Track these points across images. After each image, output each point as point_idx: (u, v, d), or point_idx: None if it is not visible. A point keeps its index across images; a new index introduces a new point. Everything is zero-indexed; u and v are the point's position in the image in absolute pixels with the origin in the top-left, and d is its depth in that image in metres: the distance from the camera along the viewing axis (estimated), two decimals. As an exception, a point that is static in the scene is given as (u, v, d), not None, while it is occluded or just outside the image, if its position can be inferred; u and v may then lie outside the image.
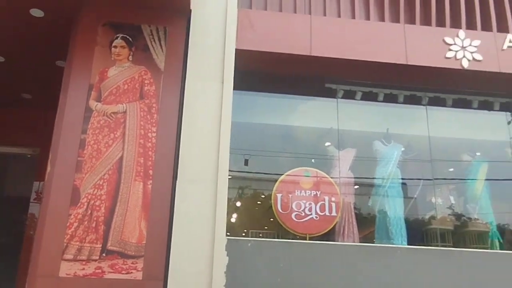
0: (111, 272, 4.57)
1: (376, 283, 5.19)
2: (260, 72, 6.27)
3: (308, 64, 6.14)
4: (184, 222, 4.81)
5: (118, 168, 4.94)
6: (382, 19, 6.65)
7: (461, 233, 6.67)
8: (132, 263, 4.63)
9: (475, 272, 5.37)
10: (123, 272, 4.59)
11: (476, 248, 6.41)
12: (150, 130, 5.14)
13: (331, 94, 6.58)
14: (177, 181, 4.95)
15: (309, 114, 6.92)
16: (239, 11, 5.89)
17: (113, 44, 5.40)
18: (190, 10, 5.52)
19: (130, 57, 5.37)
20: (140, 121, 5.14)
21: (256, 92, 6.71)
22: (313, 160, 6.75)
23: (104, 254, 4.66)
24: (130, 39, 5.42)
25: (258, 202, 6.86)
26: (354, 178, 6.50)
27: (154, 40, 5.43)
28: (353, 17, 6.60)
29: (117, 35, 5.41)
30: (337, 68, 6.23)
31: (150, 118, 5.18)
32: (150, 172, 4.97)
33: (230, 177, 5.20)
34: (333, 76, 6.46)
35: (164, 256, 4.68)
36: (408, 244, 6.14)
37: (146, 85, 5.30)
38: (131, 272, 4.57)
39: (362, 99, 6.65)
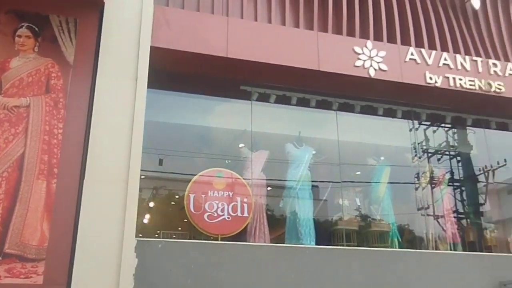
0: (7, 277, 4.28)
1: (285, 282, 5.32)
2: (175, 71, 6.19)
3: (223, 65, 6.16)
4: (90, 224, 4.61)
5: (19, 166, 4.63)
6: (297, 25, 6.84)
7: (365, 233, 7.03)
8: (32, 266, 4.37)
9: (376, 269, 5.68)
10: (22, 276, 4.32)
11: (378, 246, 6.79)
12: (56, 126, 4.87)
13: (246, 96, 6.66)
14: (85, 181, 4.74)
15: (224, 115, 6.95)
16: (155, 8, 5.77)
17: (17, 33, 5.06)
18: (103, 3, 5.31)
19: (36, 48, 5.07)
20: (45, 116, 4.86)
21: (172, 92, 6.63)
22: (227, 161, 6.80)
23: (0, 258, 4.34)
24: (36, 29, 5.10)
25: (172, 203, 6.79)
26: (266, 179, 6.61)
27: (63, 32, 5.16)
28: (269, 21, 6.73)
29: (22, 24, 5.08)
30: (252, 70, 6.32)
31: (56, 113, 4.91)
32: (55, 170, 4.71)
33: (143, 177, 5.08)
34: (248, 78, 6.54)
35: (68, 259, 4.48)
36: (316, 244, 6.35)
37: (52, 78, 5.02)
38: (31, 277, 4.31)
39: (275, 102, 6.79)
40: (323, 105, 7.02)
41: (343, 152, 6.87)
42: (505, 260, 6.33)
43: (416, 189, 7.45)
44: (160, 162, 6.50)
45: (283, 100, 6.84)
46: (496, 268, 6.07)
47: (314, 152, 7.05)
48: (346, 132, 7.04)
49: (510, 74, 7.20)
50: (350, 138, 7.23)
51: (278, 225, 6.72)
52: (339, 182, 6.97)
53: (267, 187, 6.66)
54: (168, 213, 6.62)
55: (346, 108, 7.11)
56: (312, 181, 6.90)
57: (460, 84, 6.91)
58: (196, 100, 6.81)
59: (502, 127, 7.80)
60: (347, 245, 6.63)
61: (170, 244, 5.24)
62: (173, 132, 6.81)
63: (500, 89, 7.05)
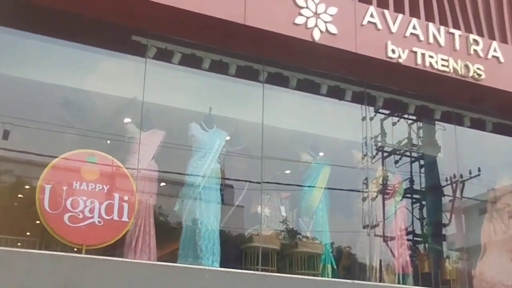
0: None
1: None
2: (39, 5, 6.00)
3: (109, 3, 6.04)
4: None
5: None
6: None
7: (289, 254, 7.23)
8: None
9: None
10: None
11: (305, 273, 7.00)
12: None
13: (139, 51, 6.58)
14: None
15: (107, 75, 6.85)
16: None
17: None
18: None
19: None
20: None
21: (31, 34, 6.42)
22: (107, 142, 6.72)
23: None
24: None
25: (20, 196, 6.62)
26: (159, 171, 6.60)
27: None
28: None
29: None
30: (150, 15, 6.24)
31: None
32: None
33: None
34: (144, 25, 6.45)
35: None
36: (221, 266, 6.44)
37: None
38: None
39: (181, 63, 6.77)
40: (247, 74, 7.09)
41: (269, 142, 6.97)
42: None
43: (364, 199, 7.74)
44: (5, 134, 6.30)
45: (191, 62, 6.82)
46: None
47: (228, 137, 7.12)
48: (275, 114, 7.17)
49: (494, 57, 7.66)
50: (280, 122, 7.37)
51: (171, 236, 6.75)
52: (259, 183, 7.08)
53: (160, 182, 6.65)
54: (12, 210, 6.45)
55: (277, 80, 7.22)
56: (223, 179, 6.97)
57: (431, 63, 7.22)
58: (67, 50, 6.66)
59: (479, 125, 8.28)
60: (263, 270, 6.75)
61: (8, 254, 5.10)
62: (28, 93, 6.61)
63: (479, 74, 7.46)
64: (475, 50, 7.54)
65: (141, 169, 6.39)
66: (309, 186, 7.52)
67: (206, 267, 6.23)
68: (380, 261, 7.67)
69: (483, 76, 7.48)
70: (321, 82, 7.41)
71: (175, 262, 6.35)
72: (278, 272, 6.85)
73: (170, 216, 6.90)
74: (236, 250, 7.01)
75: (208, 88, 7.23)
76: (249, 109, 7.26)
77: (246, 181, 7.31)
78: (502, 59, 7.67)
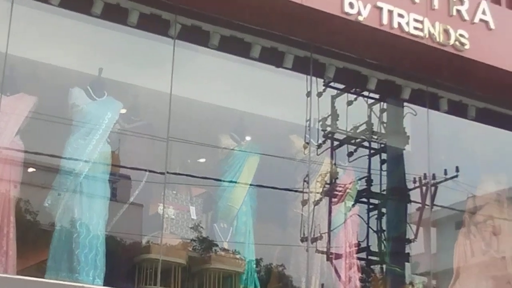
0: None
1: None
2: None
3: None
4: None
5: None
6: None
7: (198, 271, 7.31)
8: None
9: None
10: None
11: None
12: None
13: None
14: None
15: None
16: None
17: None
18: None
19: None
20: None
21: None
22: None
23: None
24: None
25: None
26: (26, 152, 6.62)
27: None
28: None
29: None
30: None
31: None
32: None
33: None
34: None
35: None
36: (105, 284, 6.50)
37: None
38: None
39: (62, 5, 6.68)
40: (153, 25, 7.17)
41: (179, 118, 7.10)
42: None
43: (304, 203, 7.93)
44: None
45: (75, 5, 6.85)
46: None
47: (123, 110, 7.26)
48: (189, 82, 7.30)
49: (482, 21, 7.96)
50: (195, 93, 7.50)
51: (38, 241, 6.77)
52: (163, 174, 7.18)
53: (27, 167, 6.70)
54: None
55: (194, 36, 7.35)
56: (114, 166, 7.07)
57: (400, 24, 7.48)
58: None
59: (459, 110, 8.64)
60: (162, 291, 6.90)
61: None
62: None
63: (462, 43, 7.77)
64: (458, 11, 7.81)
65: None
66: (230, 181, 7.70)
67: (85, 285, 6.30)
68: (322, 286, 7.90)
69: (467, 46, 7.75)
70: (252, 42, 7.55)
71: (42, 277, 6.34)
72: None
73: (39, 214, 6.88)
74: (127, 264, 7.12)
75: (99, 42, 7.27)
76: (154, 73, 7.41)
77: (145, 170, 7.39)
78: (492, 25, 7.99)
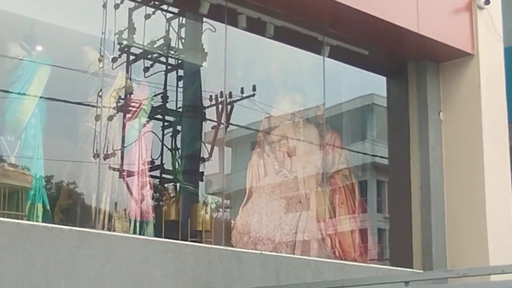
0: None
1: None
2: None
3: None
4: None
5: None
6: None
7: (-19, 187, 7.18)
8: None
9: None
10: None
11: (3, 214, 6.98)
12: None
13: None
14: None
15: None
16: None
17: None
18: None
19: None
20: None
21: None
22: None
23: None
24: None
25: None
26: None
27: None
28: None
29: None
30: None
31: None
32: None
33: None
34: None
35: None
36: None
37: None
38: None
39: None
40: None
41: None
42: (206, 253, 7.19)
43: (97, 118, 7.86)
44: None
45: None
46: (195, 267, 6.98)
47: None
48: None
49: None
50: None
51: None
52: None
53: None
54: None
55: None
56: None
57: None
58: None
59: (258, 27, 8.75)
60: None
61: None
62: None
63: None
64: None
65: None
66: (18, 93, 7.49)
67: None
68: (116, 204, 7.95)
69: None
70: None
71: None
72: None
73: None
74: None
75: None
76: None
77: None
78: None
